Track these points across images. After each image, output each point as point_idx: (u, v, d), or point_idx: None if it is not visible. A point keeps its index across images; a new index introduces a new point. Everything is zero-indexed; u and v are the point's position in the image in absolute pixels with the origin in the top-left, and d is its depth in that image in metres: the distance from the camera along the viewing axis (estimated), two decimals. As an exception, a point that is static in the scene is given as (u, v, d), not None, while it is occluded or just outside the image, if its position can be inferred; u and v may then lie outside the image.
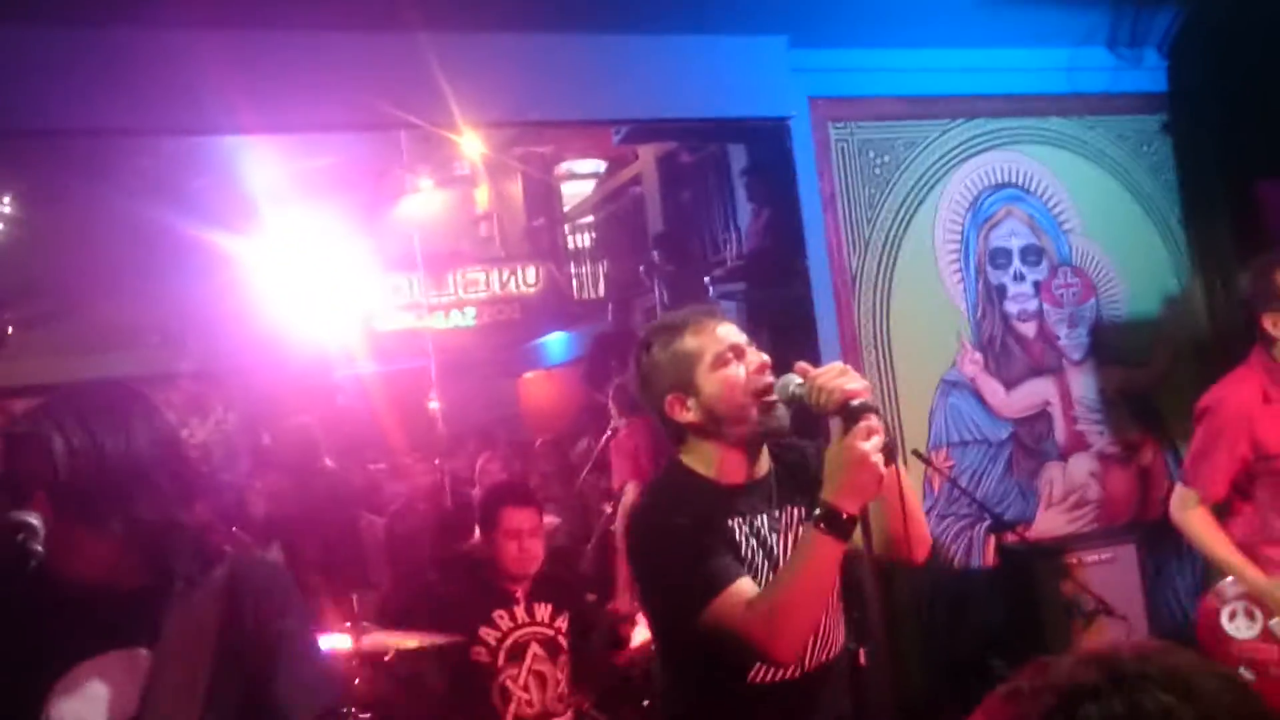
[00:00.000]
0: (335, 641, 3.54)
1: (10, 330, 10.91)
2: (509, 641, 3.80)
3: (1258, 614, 3.31)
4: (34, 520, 1.76)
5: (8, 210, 10.62)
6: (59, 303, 10.97)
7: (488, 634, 3.78)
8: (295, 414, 6.37)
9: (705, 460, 2.34)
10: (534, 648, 3.82)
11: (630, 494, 6.46)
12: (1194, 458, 3.41)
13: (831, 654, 2.35)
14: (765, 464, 2.38)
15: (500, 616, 3.82)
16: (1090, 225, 4.60)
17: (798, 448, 2.44)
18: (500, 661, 3.76)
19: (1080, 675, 0.88)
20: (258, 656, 1.90)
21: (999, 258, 4.47)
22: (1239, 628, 3.33)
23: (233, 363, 10.42)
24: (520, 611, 3.86)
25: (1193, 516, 3.38)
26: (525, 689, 3.76)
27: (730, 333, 2.34)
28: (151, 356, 10.37)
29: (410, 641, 3.59)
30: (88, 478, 1.79)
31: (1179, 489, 3.46)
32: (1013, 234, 4.50)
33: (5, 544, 1.74)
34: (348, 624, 3.64)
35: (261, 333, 10.04)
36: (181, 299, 10.07)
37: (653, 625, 2.49)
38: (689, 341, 2.32)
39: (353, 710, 3.19)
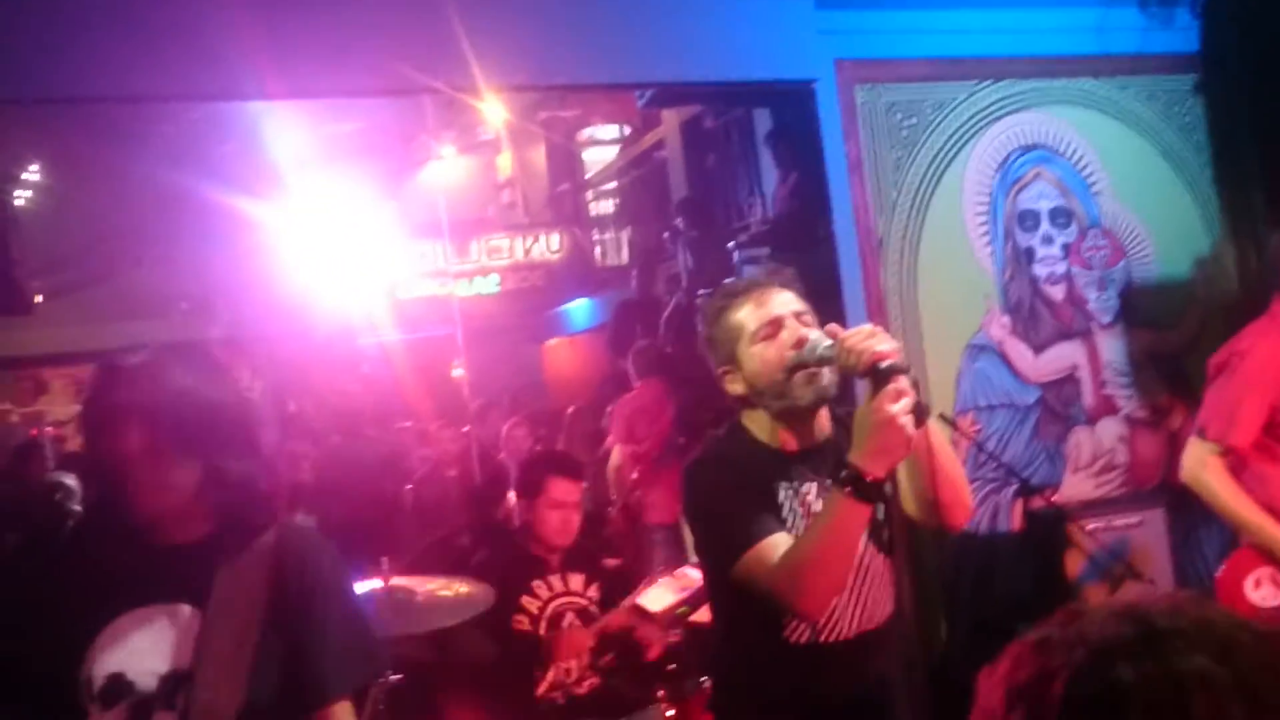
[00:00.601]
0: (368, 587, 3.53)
1: (39, 299, 10.99)
2: (549, 610, 3.84)
3: None
4: (70, 481, 1.80)
5: (36, 178, 10.68)
6: (87, 270, 11.05)
7: (529, 603, 3.83)
8: (341, 381, 6.42)
9: (761, 425, 2.38)
10: (570, 617, 3.86)
11: (615, 457, 6.53)
12: (1219, 408, 3.25)
13: (876, 622, 2.37)
14: (825, 430, 2.40)
15: (539, 586, 3.86)
16: (1120, 187, 4.55)
17: None
18: (541, 630, 3.80)
19: (1113, 630, 0.86)
20: (302, 624, 1.92)
21: (1027, 220, 4.43)
22: (1264, 596, 3.20)
23: (259, 330, 10.49)
24: (556, 581, 3.90)
25: (1211, 474, 3.22)
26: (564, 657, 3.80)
27: (778, 304, 2.35)
28: (180, 324, 10.44)
29: (460, 587, 3.59)
30: (193, 415, 1.84)
31: (1194, 444, 3.30)
32: (1041, 196, 4.45)
33: (43, 503, 1.78)
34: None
35: (287, 300, 10.09)
36: (209, 266, 10.12)
37: (705, 579, 2.58)
38: (733, 316, 2.37)
39: (385, 671, 3.21)
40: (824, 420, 2.39)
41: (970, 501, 2.44)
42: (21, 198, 10.75)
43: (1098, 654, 0.84)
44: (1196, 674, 0.82)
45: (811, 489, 2.33)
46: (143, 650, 1.86)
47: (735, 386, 2.38)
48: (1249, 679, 0.82)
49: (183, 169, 8.00)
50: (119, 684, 1.84)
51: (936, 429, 2.30)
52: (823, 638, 2.30)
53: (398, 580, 3.26)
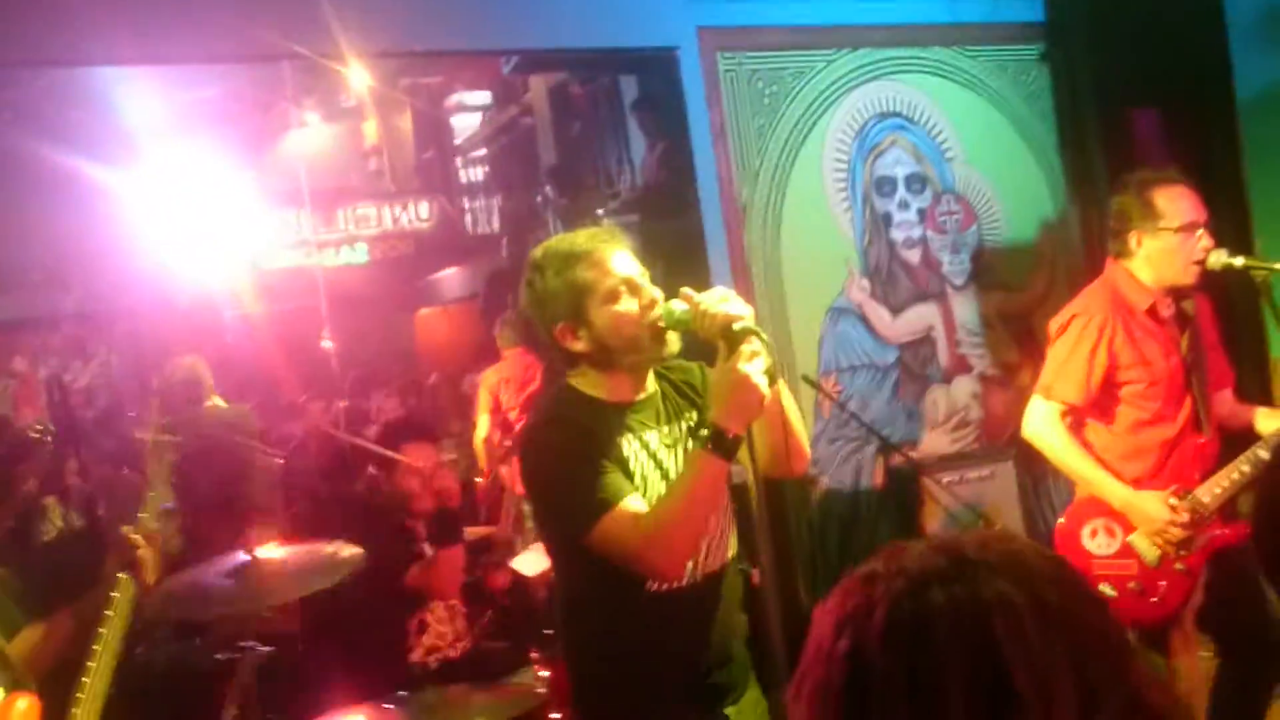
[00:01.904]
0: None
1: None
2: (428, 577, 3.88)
3: (1117, 530, 3.34)
4: None
5: None
6: (-70, 243, 10.53)
7: (410, 570, 3.86)
8: (180, 352, 6.27)
9: (594, 382, 2.39)
10: None
11: (482, 428, 6.57)
12: (1058, 368, 3.40)
13: (720, 564, 2.44)
14: (651, 381, 2.44)
15: (419, 554, 3.89)
16: (972, 153, 4.71)
17: (684, 366, 2.50)
18: (422, 596, 3.85)
19: (929, 561, 0.96)
20: None
21: (884, 186, 4.57)
22: (1099, 544, 3.36)
23: (116, 303, 10.16)
24: (427, 549, 3.93)
25: (1051, 430, 3.38)
26: (440, 621, 3.85)
27: (625, 264, 2.35)
28: (33, 297, 10.06)
29: (328, 548, 3.56)
30: None
31: (1036, 403, 3.45)
32: (898, 162, 4.59)
33: None
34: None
35: (146, 272, 9.78)
36: (62, 237, 9.74)
37: (548, 542, 2.56)
38: (583, 273, 2.31)
39: (254, 644, 3.19)
40: (651, 373, 2.44)
41: (808, 450, 2.53)
42: None
43: (914, 582, 0.95)
44: (998, 597, 0.92)
45: (653, 437, 2.38)
46: None
47: (578, 344, 2.34)
48: (1042, 596, 0.93)
49: (32, 136, 7.68)
50: None
51: (784, 385, 2.37)
52: (679, 583, 2.35)
53: (264, 551, 3.21)
